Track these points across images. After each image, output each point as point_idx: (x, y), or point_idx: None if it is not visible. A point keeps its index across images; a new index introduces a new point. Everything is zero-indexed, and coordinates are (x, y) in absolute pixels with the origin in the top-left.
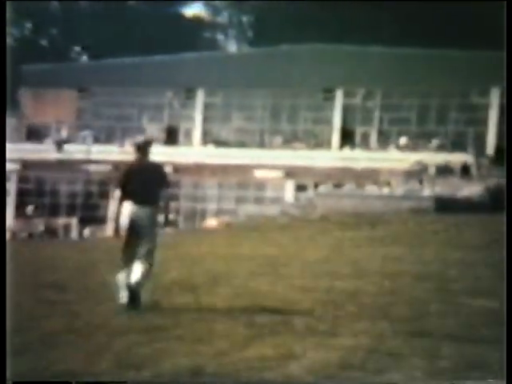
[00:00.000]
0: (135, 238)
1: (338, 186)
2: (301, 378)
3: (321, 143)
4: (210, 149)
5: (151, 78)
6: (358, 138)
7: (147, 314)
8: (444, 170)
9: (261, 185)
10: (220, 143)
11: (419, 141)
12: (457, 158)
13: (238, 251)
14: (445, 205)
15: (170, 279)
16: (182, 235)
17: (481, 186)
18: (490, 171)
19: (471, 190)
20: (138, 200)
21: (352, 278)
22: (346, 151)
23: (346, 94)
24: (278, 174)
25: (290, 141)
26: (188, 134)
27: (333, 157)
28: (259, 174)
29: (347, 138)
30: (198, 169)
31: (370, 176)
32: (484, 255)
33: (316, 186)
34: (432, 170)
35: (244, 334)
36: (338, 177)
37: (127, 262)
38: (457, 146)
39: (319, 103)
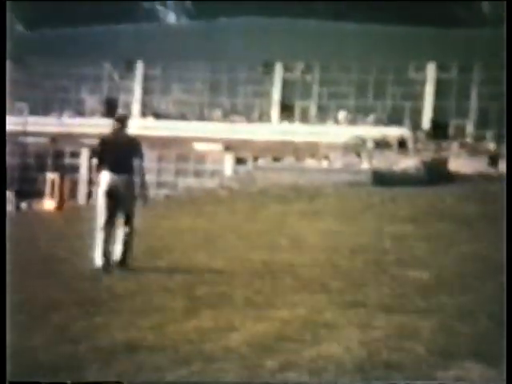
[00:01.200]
0: (113, 204)
1: (277, 159)
2: (238, 349)
3: (260, 117)
4: (150, 121)
5: (89, 50)
6: (297, 112)
7: (81, 288)
8: (381, 144)
9: (200, 158)
10: (160, 115)
11: (357, 115)
12: (394, 132)
13: (177, 224)
14: (382, 178)
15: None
16: None
17: (417, 159)
18: (425, 145)
19: (408, 163)
20: (114, 168)
21: (290, 250)
22: (286, 125)
23: (285, 68)
24: (218, 147)
25: (229, 114)
26: (127, 106)
27: (272, 130)
28: (199, 146)
29: (286, 112)
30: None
31: (308, 150)
32: (418, 227)
33: (255, 159)
34: (370, 144)
35: (182, 307)
36: (278, 150)
37: (106, 228)
38: (394, 120)
39: (258, 77)
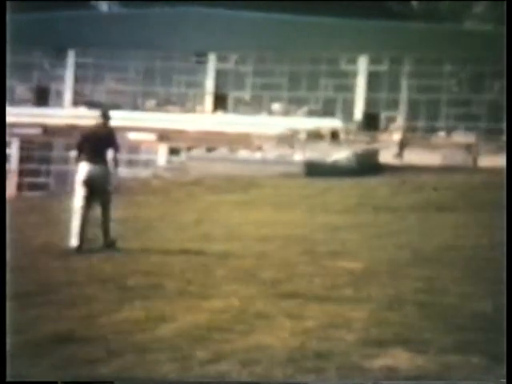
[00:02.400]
0: (90, 193)
1: (210, 149)
2: (170, 340)
3: (194, 107)
4: (82, 110)
5: (19, 37)
6: (231, 103)
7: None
8: (314, 135)
9: (134, 147)
10: (92, 105)
11: (291, 106)
12: (326, 124)
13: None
14: (315, 169)
15: (40, 243)
16: (52, 198)
17: (349, 150)
18: (357, 136)
19: (340, 154)
20: (92, 159)
21: (223, 240)
22: (219, 115)
23: (219, 59)
24: (152, 136)
25: (163, 104)
26: (59, 95)
27: (206, 121)
28: (132, 136)
29: (220, 103)
30: (70, 131)
31: (242, 140)
32: (350, 218)
33: (189, 149)
34: (303, 135)
35: (114, 298)
36: (211, 141)
37: (82, 213)
38: (326, 111)
39: (192, 67)
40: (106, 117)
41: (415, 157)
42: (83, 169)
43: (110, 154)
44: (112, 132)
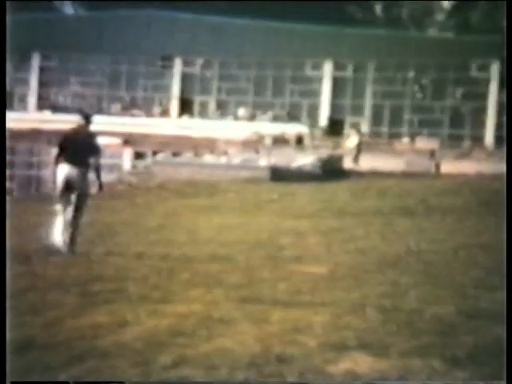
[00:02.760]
0: (69, 194)
1: (176, 154)
2: (132, 345)
3: (160, 111)
4: (47, 114)
5: None
6: (196, 107)
7: None
8: (279, 141)
9: None
10: (57, 108)
11: (256, 111)
12: (292, 129)
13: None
14: (280, 174)
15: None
16: (16, 203)
17: (314, 155)
18: (322, 142)
19: (305, 159)
20: (72, 162)
21: (187, 245)
22: (185, 120)
23: (185, 63)
24: (117, 141)
25: (128, 108)
26: (23, 99)
27: (171, 125)
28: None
29: (186, 107)
30: (34, 135)
31: (207, 145)
32: (315, 223)
33: (154, 153)
34: (268, 141)
35: (77, 303)
36: (177, 145)
37: (63, 211)
38: (292, 116)
39: (158, 71)
40: (87, 120)
41: (379, 162)
42: (63, 170)
43: (91, 158)
44: (94, 137)
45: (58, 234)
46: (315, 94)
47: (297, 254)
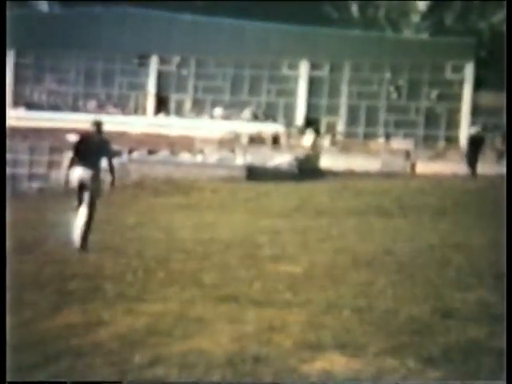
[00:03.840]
0: (82, 194)
1: (152, 152)
2: (108, 344)
3: (136, 109)
4: (21, 111)
5: None
6: (172, 105)
7: None
8: (256, 140)
9: None
10: (32, 106)
11: (232, 110)
12: (268, 128)
13: (48, 217)
14: (256, 173)
15: None
16: None
17: (290, 155)
18: (298, 141)
19: (281, 159)
20: (85, 164)
21: (163, 244)
22: (161, 118)
23: (161, 61)
24: None
25: (104, 105)
26: None
27: (148, 123)
28: (72, 138)
29: (162, 105)
30: (8, 132)
31: (184, 143)
32: (291, 222)
33: (130, 151)
34: (244, 140)
35: (52, 302)
36: (153, 143)
37: (78, 208)
38: (268, 116)
39: (134, 68)
40: (98, 127)
41: (355, 162)
42: (77, 172)
43: (104, 161)
44: (107, 140)
45: (76, 234)
46: (291, 93)
47: (273, 253)
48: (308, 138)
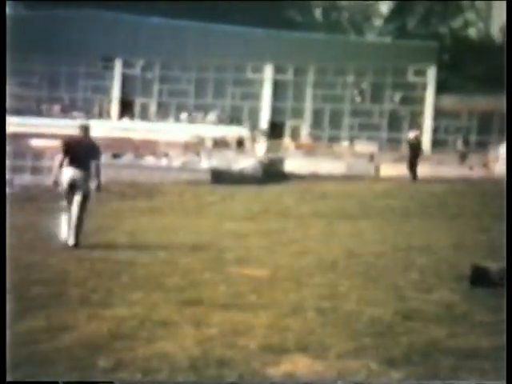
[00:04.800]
0: (73, 193)
1: (116, 156)
2: (71, 350)
3: (100, 113)
4: None
5: None
6: (137, 109)
7: None
8: (220, 143)
9: (38, 154)
10: None
11: (197, 114)
12: (233, 132)
13: (12, 221)
14: (221, 177)
15: None
16: None
17: (254, 158)
18: (263, 144)
19: (245, 162)
20: (75, 165)
21: (128, 247)
22: (126, 121)
23: (126, 64)
24: (56, 143)
25: (68, 109)
26: None
27: (112, 127)
28: (36, 143)
29: (127, 109)
30: None
31: (148, 147)
32: (256, 225)
33: None
34: (209, 143)
35: (14, 308)
36: (117, 147)
37: (68, 208)
38: (233, 119)
39: (99, 72)
40: (86, 130)
41: (319, 165)
42: (67, 173)
43: (93, 162)
44: (94, 143)
45: (64, 230)
46: (256, 96)
47: (238, 256)
48: (261, 147)
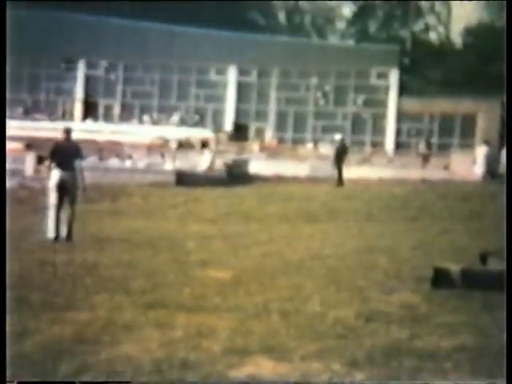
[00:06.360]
0: (61, 193)
1: None
2: (33, 355)
3: (63, 114)
4: None
5: None
6: (101, 110)
7: None
8: (185, 145)
9: None
10: None
11: (161, 115)
12: (197, 134)
13: None
14: (185, 179)
15: None
16: None
17: (219, 160)
18: (227, 146)
19: (210, 164)
20: (62, 167)
21: (91, 250)
22: (89, 123)
23: (89, 65)
24: (18, 145)
25: (30, 111)
26: None
27: (75, 129)
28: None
29: (90, 110)
30: None
31: (112, 149)
32: (219, 227)
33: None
34: (173, 145)
35: None
36: None
37: (57, 208)
38: (197, 121)
39: (61, 73)
40: (68, 133)
41: (283, 167)
42: (56, 175)
43: (77, 163)
44: (78, 145)
45: (51, 227)
46: (220, 98)
47: (202, 258)
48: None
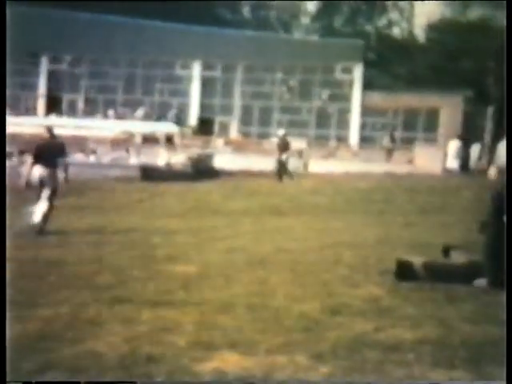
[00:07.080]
0: (42, 189)
1: None
2: None
3: (26, 109)
4: None
5: None
6: (65, 105)
7: None
8: (149, 139)
9: None
10: None
11: (126, 110)
12: (162, 128)
13: None
14: (150, 173)
15: None
16: None
17: (184, 155)
18: (192, 141)
19: (175, 158)
20: (44, 164)
21: (55, 246)
22: (53, 118)
23: (53, 60)
24: None
25: None
26: None
27: (39, 124)
28: None
29: (54, 105)
30: None
31: (76, 143)
32: (184, 222)
33: (22, 153)
34: (138, 139)
35: None
36: None
37: (38, 202)
38: (162, 115)
39: (25, 68)
40: (51, 132)
41: (249, 162)
42: (37, 171)
43: (61, 161)
44: (60, 142)
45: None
46: (185, 93)
47: (167, 253)
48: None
